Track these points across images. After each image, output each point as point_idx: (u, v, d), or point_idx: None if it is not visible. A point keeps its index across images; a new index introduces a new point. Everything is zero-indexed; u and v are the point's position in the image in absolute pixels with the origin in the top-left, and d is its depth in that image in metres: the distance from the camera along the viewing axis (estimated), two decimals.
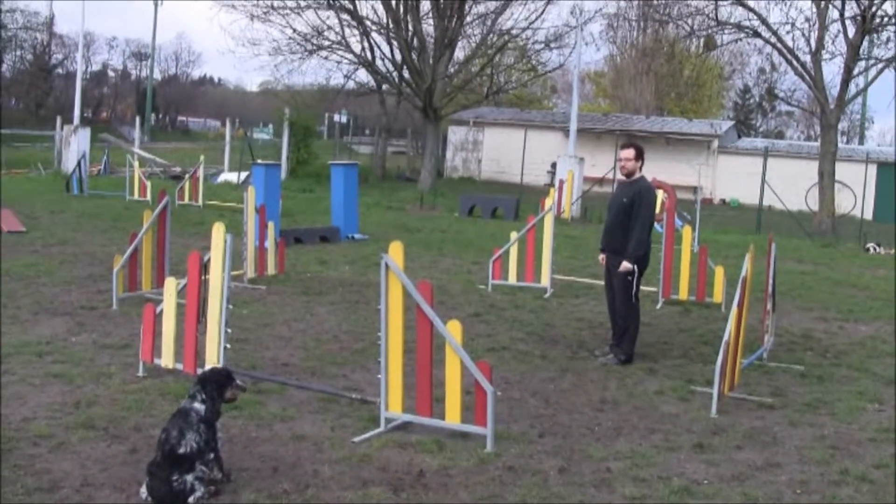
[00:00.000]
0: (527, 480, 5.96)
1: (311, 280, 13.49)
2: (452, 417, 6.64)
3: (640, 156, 9.93)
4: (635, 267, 9.55)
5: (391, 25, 38.95)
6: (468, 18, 40.48)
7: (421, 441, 6.54)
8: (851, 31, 30.41)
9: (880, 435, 7.39)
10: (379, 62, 40.64)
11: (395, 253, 6.61)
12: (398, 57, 39.89)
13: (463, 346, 6.53)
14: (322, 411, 7.21)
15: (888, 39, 31.30)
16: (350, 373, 8.49)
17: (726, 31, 32.64)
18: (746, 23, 31.72)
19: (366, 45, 40.13)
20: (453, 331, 6.52)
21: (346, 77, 42.45)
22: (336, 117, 62.24)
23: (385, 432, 6.71)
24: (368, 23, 39.78)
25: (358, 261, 15.67)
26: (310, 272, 14.21)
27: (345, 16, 39.23)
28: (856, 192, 35.48)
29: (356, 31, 39.94)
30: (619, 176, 10.28)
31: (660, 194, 24.04)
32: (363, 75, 43.10)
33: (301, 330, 10.17)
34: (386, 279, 6.64)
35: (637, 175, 9.88)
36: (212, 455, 5.39)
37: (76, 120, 35.70)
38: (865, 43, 31.17)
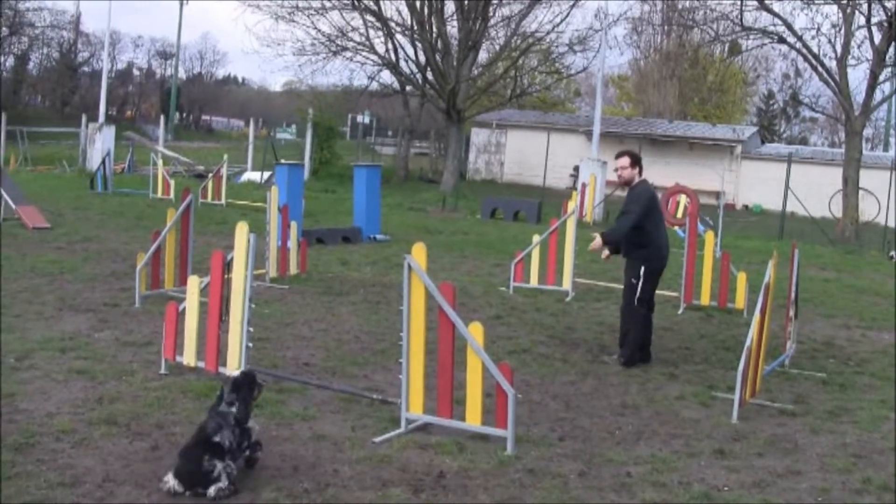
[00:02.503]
0: (547, 483, 5.95)
1: (332, 280, 13.52)
2: (473, 419, 6.63)
3: (635, 162, 9.97)
4: (641, 271, 9.57)
5: (415, 27, 39.00)
6: (492, 20, 40.51)
7: (441, 442, 6.54)
8: (878, 37, 30.23)
9: None
10: (403, 64, 40.73)
11: (418, 254, 6.62)
12: (422, 58, 39.93)
13: (484, 348, 6.53)
14: (343, 411, 7.22)
15: None
16: (371, 373, 8.50)
17: (751, 37, 32.55)
18: (771, 28, 31.61)
19: (390, 46, 40.24)
20: (475, 333, 6.52)
21: (370, 78, 42.58)
22: (359, 118, 62.38)
23: (405, 433, 6.72)
24: (393, 24, 39.87)
25: (380, 261, 15.69)
26: (332, 272, 14.24)
27: (369, 17, 39.32)
28: (880, 200, 35.24)
29: (381, 33, 40.03)
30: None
31: (682, 199, 23.99)
32: (387, 76, 43.23)
33: (322, 330, 10.20)
34: (408, 280, 6.64)
35: (636, 181, 9.86)
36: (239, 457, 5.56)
37: (101, 118, 35.92)
38: (892, 49, 30.97)
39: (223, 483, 5.28)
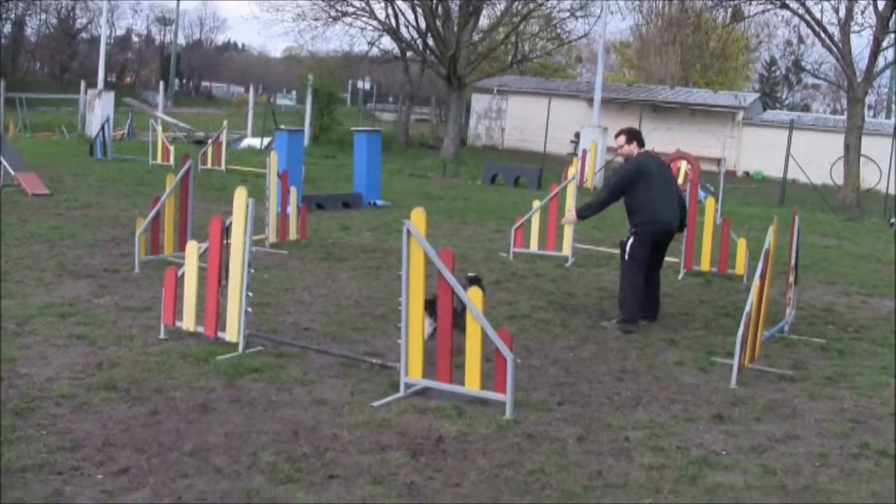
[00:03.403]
0: (545, 448, 5.96)
1: (332, 246, 13.51)
2: (472, 384, 6.64)
3: (632, 138, 10.12)
4: (632, 238, 9.79)
5: None
6: None
7: (440, 407, 6.56)
8: (881, 2, 30.06)
9: None
10: (403, 29, 40.50)
11: (418, 219, 6.61)
12: (422, 24, 39.71)
13: (483, 313, 6.53)
14: (342, 376, 7.24)
15: None
16: (370, 338, 8.51)
17: (753, 2, 32.37)
18: None
19: (390, 11, 39.99)
20: (474, 298, 6.52)
21: (370, 44, 42.38)
22: (359, 84, 62.17)
23: (404, 398, 6.73)
24: None
25: (380, 227, 15.68)
26: (332, 238, 14.23)
27: None
28: (881, 167, 35.17)
29: None
30: None
31: (683, 165, 23.93)
32: (387, 42, 43.03)
33: (322, 295, 10.20)
34: (408, 245, 6.63)
35: (635, 154, 10.05)
36: None
37: (100, 84, 35.76)
38: (895, 15, 30.81)
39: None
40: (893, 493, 5.63)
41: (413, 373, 6.80)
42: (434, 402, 6.65)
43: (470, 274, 8.92)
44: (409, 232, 6.61)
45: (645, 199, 9.84)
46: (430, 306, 6.98)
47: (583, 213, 10.46)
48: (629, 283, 9.75)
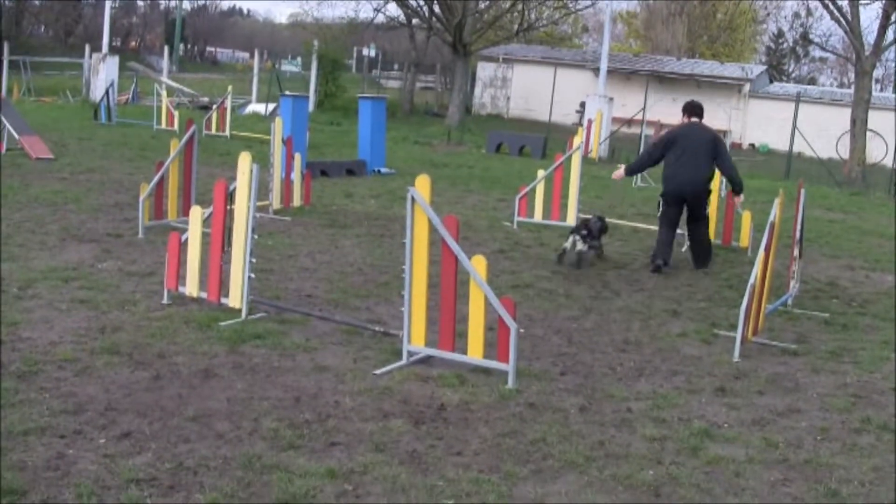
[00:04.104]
0: (547, 417, 5.97)
1: (336, 213, 13.48)
2: (475, 353, 6.64)
3: (685, 111, 11.89)
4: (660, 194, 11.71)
5: None
6: None
7: (442, 375, 6.56)
8: None
9: None
10: None
11: (422, 186, 6.58)
12: None
13: (487, 281, 6.51)
14: (345, 343, 7.23)
15: None
16: (374, 305, 8.50)
17: None
18: None
19: None
20: (478, 266, 6.50)
21: (376, 10, 42.12)
22: (365, 51, 61.91)
23: (407, 365, 6.73)
24: None
25: (384, 194, 15.65)
26: (335, 205, 14.20)
27: None
28: (888, 142, 35.05)
29: None
30: None
31: None
32: (393, 9, 42.79)
33: (325, 262, 10.19)
34: (412, 212, 6.61)
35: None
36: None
37: (105, 48, 35.58)
38: None
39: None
40: (894, 467, 5.63)
41: (416, 341, 6.80)
42: (436, 371, 6.66)
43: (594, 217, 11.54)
44: (413, 199, 6.58)
45: (667, 164, 11.36)
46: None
47: (628, 170, 12.19)
48: (658, 236, 11.50)
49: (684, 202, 11.37)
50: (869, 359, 8.04)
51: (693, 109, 11.71)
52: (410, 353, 6.83)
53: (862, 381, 7.38)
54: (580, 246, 10.89)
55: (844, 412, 6.56)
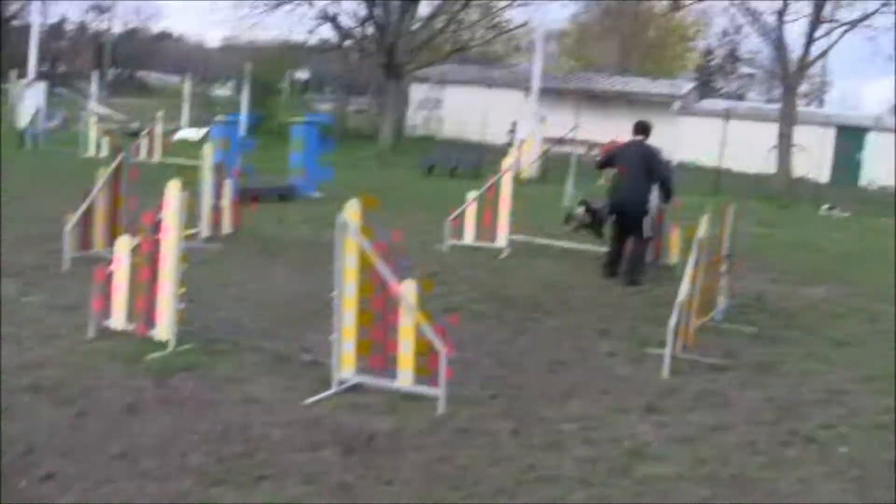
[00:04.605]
0: (478, 442, 5.97)
1: (267, 239, 13.40)
2: (405, 379, 6.64)
3: (633, 130, 12.47)
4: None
5: None
6: None
7: (373, 403, 6.53)
8: None
9: (828, 396, 7.50)
10: (342, 17, 40.28)
11: (352, 211, 6.57)
12: (361, 12, 39.53)
13: (418, 306, 6.51)
14: (274, 373, 7.17)
15: (851, 2, 31.49)
16: (304, 334, 8.41)
17: None
18: None
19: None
20: (408, 291, 6.50)
21: (309, 32, 42.06)
22: (298, 74, 61.71)
23: (337, 394, 6.69)
24: None
25: (316, 219, 15.55)
26: (267, 231, 14.11)
27: None
28: (814, 155, 35.71)
29: None
30: None
31: None
32: (326, 31, 42.75)
33: (256, 290, 10.11)
34: (341, 238, 6.60)
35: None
36: None
37: (31, 73, 35.09)
38: (829, 5, 31.30)
39: None
40: (820, 478, 5.73)
41: (346, 368, 6.77)
42: (367, 398, 6.63)
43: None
44: (342, 224, 6.57)
45: (612, 179, 12.39)
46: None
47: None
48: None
49: (625, 216, 12.03)
50: (795, 371, 8.19)
51: (636, 128, 12.35)
52: (341, 382, 6.79)
53: (789, 393, 7.52)
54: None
55: (771, 425, 6.67)
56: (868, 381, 8.08)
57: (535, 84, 31.92)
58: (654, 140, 12.44)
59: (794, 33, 33.08)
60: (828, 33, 32.75)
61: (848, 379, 8.10)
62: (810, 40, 31.05)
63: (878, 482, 5.79)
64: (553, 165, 29.35)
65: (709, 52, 75.35)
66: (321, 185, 19.22)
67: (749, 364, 8.34)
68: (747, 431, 6.52)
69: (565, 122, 36.02)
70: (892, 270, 14.54)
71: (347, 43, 42.44)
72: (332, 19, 39.95)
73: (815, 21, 30.59)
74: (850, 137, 43.75)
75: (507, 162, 14.21)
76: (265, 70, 40.32)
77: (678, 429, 6.47)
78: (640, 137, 12.25)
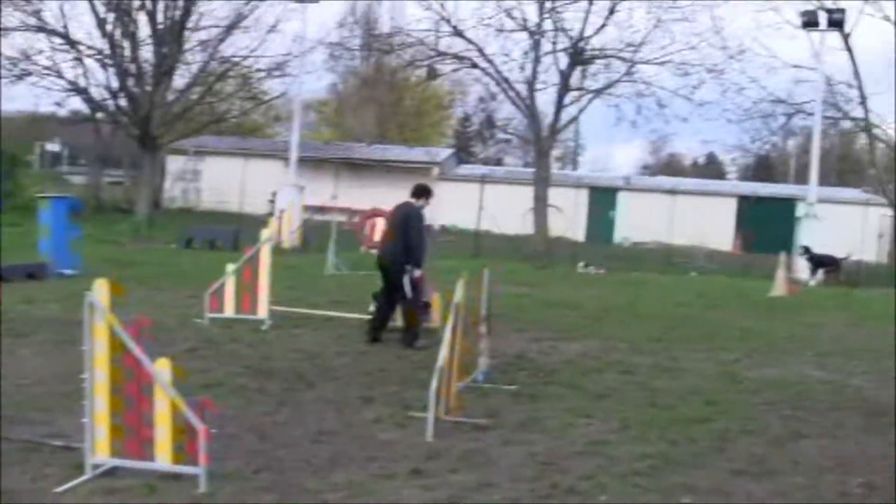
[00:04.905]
0: None
1: (14, 320, 12.67)
2: (164, 459, 6.40)
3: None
4: None
5: (106, 51, 37.60)
6: (188, 45, 39.64)
7: (130, 486, 6.27)
8: (563, 62, 32.02)
9: (588, 448, 7.73)
10: (94, 89, 39.14)
11: (101, 290, 6.33)
12: (114, 84, 38.57)
13: (177, 382, 6.31)
14: (22, 462, 6.75)
15: (597, 71, 33.17)
16: (56, 418, 8.00)
17: (446, 61, 33.62)
18: (465, 53, 32.78)
19: (79, 71, 38.57)
20: (163, 369, 6.30)
21: (58, 104, 40.64)
22: (48, 146, 59.46)
23: (91, 479, 6.38)
24: (82, 47, 38.25)
25: (68, 298, 14.87)
26: (14, 312, 13.36)
27: (56, 39, 37.48)
28: (569, 216, 37.18)
29: (69, 56, 38.31)
30: None
31: (379, 222, 24.33)
32: (77, 102, 41.45)
33: (2, 375, 9.54)
34: (90, 317, 6.33)
35: None
36: None
37: None
38: (577, 74, 32.86)
39: None
40: None
41: (100, 452, 6.47)
42: (124, 482, 6.35)
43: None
44: (91, 304, 6.31)
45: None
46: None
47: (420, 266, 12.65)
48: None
49: (385, 275, 12.41)
50: (556, 426, 8.40)
51: (411, 190, 12.87)
52: (95, 466, 6.48)
53: (550, 448, 7.69)
54: None
55: (534, 481, 6.80)
56: (625, 430, 8.40)
57: (294, 153, 31.99)
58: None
59: (546, 101, 34.72)
60: (576, 101, 34.38)
61: (607, 430, 8.39)
62: (560, 107, 32.48)
63: None
64: (314, 234, 29.40)
65: (466, 119, 77.57)
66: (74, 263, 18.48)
67: (511, 422, 8.50)
68: (511, 488, 6.62)
69: (325, 191, 36.25)
70: (644, 323, 15.27)
71: (100, 115, 41.26)
72: (83, 91, 38.78)
73: (564, 89, 32.02)
74: (603, 197, 45.99)
75: (266, 233, 14.07)
76: (11, 142, 38.63)
77: (443, 490, 6.50)
78: (410, 200, 12.64)
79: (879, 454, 8.01)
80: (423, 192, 12.80)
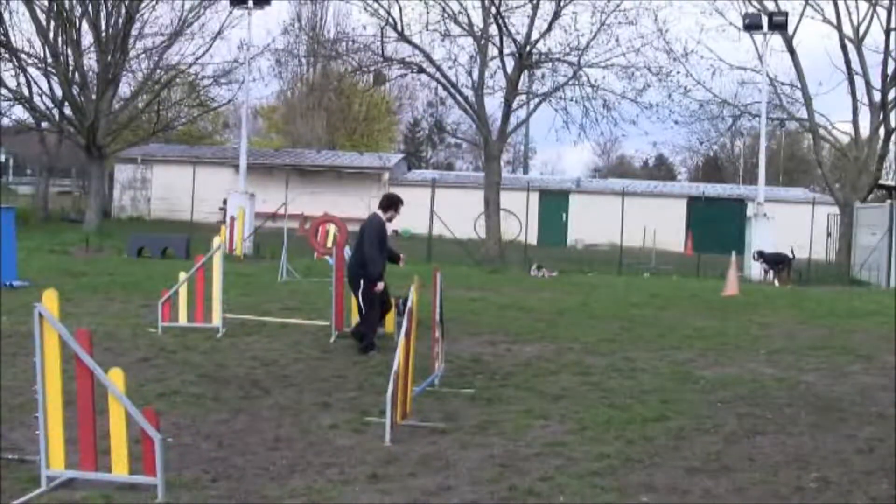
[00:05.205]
0: None
1: None
2: (120, 469, 6.33)
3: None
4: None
5: (49, 59, 37.17)
6: (133, 53, 39.28)
7: (87, 497, 6.20)
8: (510, 66, 32.11)
9: (546, 449, 7.75)
10: (37, 98, 38.67)
11: (49, 300, 6.25)
12: (58, 92, 38.13)
13: (130, 392, 6.25)
14: None
15: (543, 75, 33.30)
16: (8, 432, 7.89)
17: (393, 67, 33.57)
18: (412, 59, 32.76)
19: (22, 80, 38.10)
20: (115, 379, 6.24)
21: (1, 114, 40.13)
22: None
23: (47, 492, 6.30)
24: (24, 56, 37.80)
25: (17, 310, 14.66)
26: None
27: None
28: (521, 219, 37.27)
29: (10, 65, 37.83)
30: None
31: (331, 228, 24.25)
32: (21, 111, 40.96)
33: None
34: (40, 329, 6.25)
35: None
36: None
37: None
38: (524, 78, 32.96)
39: None
40: None
41: (55, 464, 6.39)
42: (80, 493, 6.29)
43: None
44: (41, 314, 6.23)
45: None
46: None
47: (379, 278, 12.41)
48: None
49: (350, 283, 12.51)
50: (513, 428, 8.41)
51: (380, 201, 13.00)
52: (50, 478, 6.40)
53: (508, 450, 7.70)
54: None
55: (493, 483, 6.81)
56: (582, 430, 8.43)
57: (243, 160, 31.78)
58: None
59: (494, 105, 34.88)
60: (524, 104, 34.50)
61: (564, 431, 8.42)
62: (508, 111, 32.58)
63: None
64: (266, 241, 29.25)
65: (415, 125, 77.70)
66: (22, 273, 18.22)
67: (469, 425, 8.51)
68: (470, 491, 6.63)
69: (277, 198, 36.03)
70: (598, 325, 15.34)
71: (45, 124, 40.79)
72: (27, 100, 38.31)
73: (511, 94, 32.13)
74: (554, 200, 46.25)
75: (218, 240, 13.98)
76: None
77: (402, 495, 6.49)
78: (377, 211, 12.68)
79: (833, 449, 8.11)
80: (390, 204, 12.72)
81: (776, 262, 27.85)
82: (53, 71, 37.37)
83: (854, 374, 11.75)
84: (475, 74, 32.32)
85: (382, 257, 12.29)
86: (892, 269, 27.35)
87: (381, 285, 12.18)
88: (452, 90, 32.46)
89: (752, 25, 31.32)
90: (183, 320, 13.28)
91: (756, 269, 28.15)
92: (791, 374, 11.65)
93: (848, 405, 9.90)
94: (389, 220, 12.62)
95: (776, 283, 26.75)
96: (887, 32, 32.75)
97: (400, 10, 31.46)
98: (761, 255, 27.88)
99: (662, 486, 6.86)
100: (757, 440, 8.35)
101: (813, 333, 15.36)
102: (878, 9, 33.06)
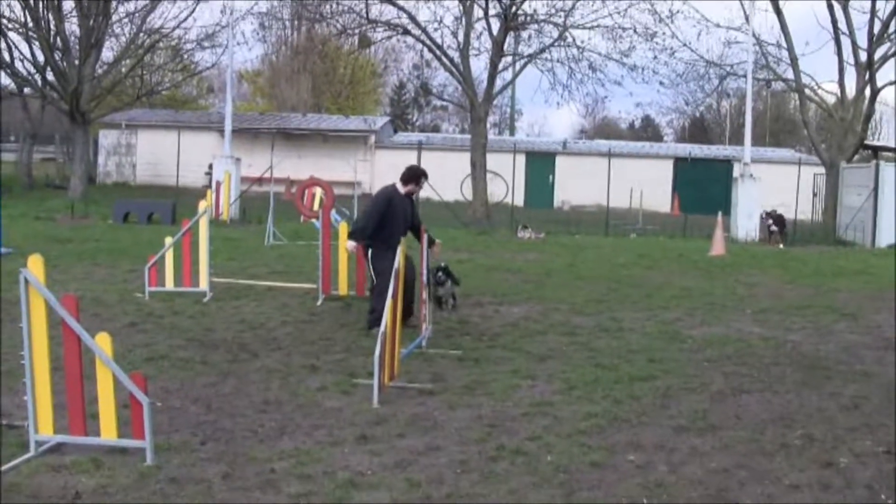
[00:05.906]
0: (190, 490, 5.80)
1: None
2: (108, 433, 6.35)
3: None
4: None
5: (30, 24, 36.82)
6: (115, 17, 38.87)
7: (76, 461, 6.22)
8: (496, 28, 32.00)
9: (533, 409, 7.81)
10: (18, 63, 38.33)
11: (35, 266, 6.24)
12: (40, 58, 37.82)
13: (118, 357, 6.27)
14: None
15: (529, 36, 33.21)
16: None
17: (378, 29, 33.41)
18: (397, 21, 32.60)
19: (3, 45, 37.74)
20: (102, 344, 6.24)
21: None
22: None
23: (36, 457, 6.32)
24: (4, 21, 37.42)
25: (2, 277, 14.67)
26: None
27: None
28: (507, 181, 37.25)
29: None
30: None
31: (318, 191, 24.20)
32: (2, 77, 40.60)
33: None
34: (26, 294, 6.25)
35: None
36: None
37: None
38: (509, 39, 32.86)
39: None
40: (529, 488, 5.95)
41: (43, 429, 6.40)
42: (69, 458, 6.30)
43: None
44: (27, 280, 6.22)
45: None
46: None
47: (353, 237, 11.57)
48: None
49: None
50: (500, 389, 8.46)
51: (406, 172, 11.65)
52: (39, 443, 6.41)
53: (496, 411, 7.75)
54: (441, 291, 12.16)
55: (481, 443, 6.86)
56: (569, 391, 8.48)
57: (228, 125, 31.61)
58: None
59: (480, 67, 34.82)
60: (510, 66, 34.42)
61: (551, 391, 8.47)
62: (494, 73, 32.49)
63: (582, 484, 6.07)
64: (252, 205, 29.20)
65: (401, 87, 77.37)
66: (7, 240, 18.15)
67: (456, 386, 8.55)
68: (458, 451, 6.67)
69: (262, 162, 35.95)
70: (585, 286, 15.39)
71: (27, 90, 40.48)
72: (8, 66, 37.97)
73: (497, 55, 32.03)
74: (541, 162, 46.22)
75: (204, 205, 13.94)
76: None
77: (391, 455, 6.53)
78: (397, 183, 11.58)
79: (817, 407, 8.18)
80: (411, 177, 11.56)
81: (783, 222, 28.00)
82: (35, 36, 36.99)
83: (839, 333, 11.84)
84: (460, 36, 32.22)
85: (371, 227, 11.21)
86: (877, 229, 27.46)
87: (350, 244, 11.52)
88: (438, 52, 32.36)
89: None
90: (170, 285, 13.27)
91: (742, 231, 28.24)
92: (777, 333, 11.72)
93: (833, 363, 9.98)
94: (410, 193, 11.54)
95: (780, 245, 26.74)
96: None
97: None
98: (770, 216, 27.97)
99: (650, 445, 6.91)
100: (743, 398, 8.41)
101: (799, 293, 15.44)
102: None
